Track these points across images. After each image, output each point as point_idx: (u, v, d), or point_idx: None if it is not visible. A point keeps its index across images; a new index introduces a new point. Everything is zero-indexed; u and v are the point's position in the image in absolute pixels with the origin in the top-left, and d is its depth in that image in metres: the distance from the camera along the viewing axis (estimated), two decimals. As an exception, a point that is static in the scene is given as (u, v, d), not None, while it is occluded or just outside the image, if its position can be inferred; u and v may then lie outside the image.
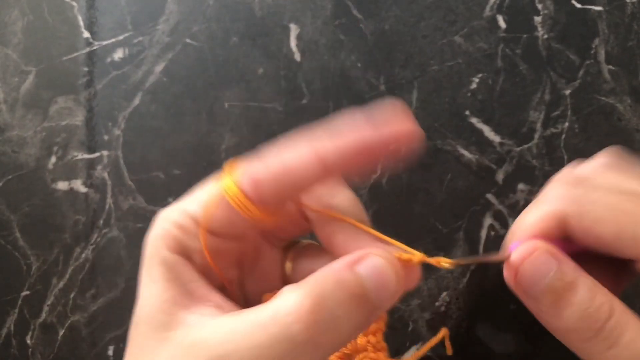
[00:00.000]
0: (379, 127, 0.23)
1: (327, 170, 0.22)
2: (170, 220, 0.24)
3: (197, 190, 0.25)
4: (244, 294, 0.27)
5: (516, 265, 0.23)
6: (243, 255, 0.26)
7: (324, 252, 0.27)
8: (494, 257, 0.25)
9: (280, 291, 0.21)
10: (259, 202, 0.23)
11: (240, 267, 0.27)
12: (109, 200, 0.40)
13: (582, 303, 0.22)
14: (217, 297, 0.24)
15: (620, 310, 0.23)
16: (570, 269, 0.23)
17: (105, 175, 0.40)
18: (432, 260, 0.24)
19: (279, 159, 0.23)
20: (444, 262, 0.24)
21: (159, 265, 0.23)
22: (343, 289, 0.21)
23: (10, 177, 0.41)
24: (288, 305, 0.20)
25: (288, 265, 0.27)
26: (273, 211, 0.24)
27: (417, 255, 0.23)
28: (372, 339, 0.26)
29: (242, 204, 0.23)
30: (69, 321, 0.39)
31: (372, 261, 0.21)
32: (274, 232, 0.27)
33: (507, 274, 0.24)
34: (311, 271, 0.23)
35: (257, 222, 0.24)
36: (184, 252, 0.24)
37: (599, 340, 0.22)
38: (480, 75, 0.37)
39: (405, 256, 0.23)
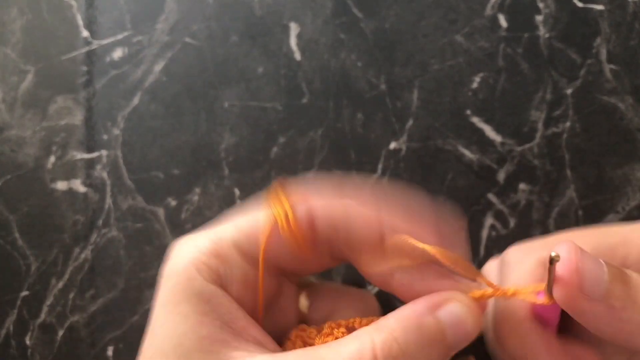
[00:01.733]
0: (443, 232, 0.23)
1: (382, 243, 0.22)
2: (202, 248, 0.23)
3: (230, 217, 0.24)
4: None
5: (572, 275, 0.21)
6: (267, 288, 0.26)
7: (342, 292, 0.27)
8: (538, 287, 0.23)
9: (354, 334, 0.22)
10: (307, 239, 0.23)
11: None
12: (109, 200, 0.40)
13: None
14: (255, 331, 0.23)
15: None
16: (611, 263, 0.22)
17: (105, 175, 0.40)
18: (503, 292, 0.23)
19: (343, 209, 0.23)
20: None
21: (192, 297, 0.22)
22: (424, 335, 0.21)
23: (8, 177, 0.41)
24: (365, 348, 0.20)
25: (303, 303, 0.27)
26: (313, 248, 0.24)
27: (488, 290, 0.23)
28: None
29: (293, 235, 0.23)
30: (69, 322, 0.39)
31: (452, 308, 0.22)
32: (297, 268, 0.26)
33: (562, 293, 0.22)
34: (332, 311, 0.25)
35: (301, 257, 0.23)
36: (220, 282, 0.23)
37: None
38: (481, 74, 0.37)
39: (478, 293, 0.23)
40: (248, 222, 0.24)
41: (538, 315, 0.24)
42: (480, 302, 0.23)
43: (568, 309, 0.22)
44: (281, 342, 0.26)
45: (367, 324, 0.24)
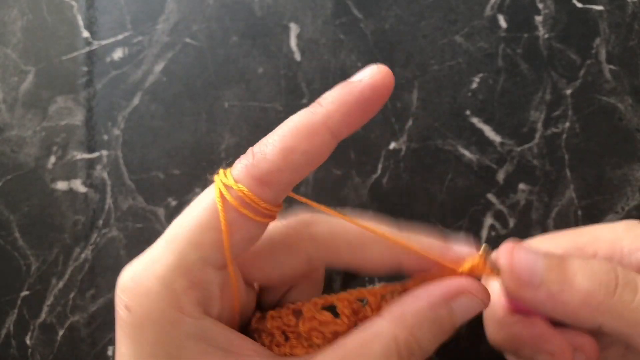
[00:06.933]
0: (360, 82, 0.23)
1: (334, 136, 0.22)
2: (170, 280, 0.21)
3: (172, 235, 0.22)
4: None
5: (509, 269, 0.23)
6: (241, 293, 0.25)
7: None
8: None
9: (368, 324, 0.22)
10: (270, 198, 0.22)
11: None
12: (109, 200, 0.40)
13: (585, 266, 0.22)
14: (248, 345, 0.22)
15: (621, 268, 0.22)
16: (552, 253, 0.23)
17: (105, 175, 0.40)
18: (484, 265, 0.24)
19: (282, 145, 0.22)
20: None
21: (186, 341, 0.20)
22: (439, 326, 0.22)
23: (9, 177, 0.41)
24: (391, 349, 0.21)
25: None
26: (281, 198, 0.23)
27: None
28: None
29: (256, 205, 0.21)
30: (69, 321, 0.39)
31: (466, 301, 0.23)
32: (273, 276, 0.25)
33: (505, 280, 0.24)
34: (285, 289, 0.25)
35: (271, 216, 0.23)
36: (202, 308, 0.21)
37: (623, 291, 0.22)
38: (480, 74, 0.37)
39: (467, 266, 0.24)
40: (196, 227, 0.21)
41: (518, 308, 0.26)
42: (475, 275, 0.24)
43: (516, 298, 0.23)
44: (247, 333, 0.25)
45: (347, 298, 0.24)
